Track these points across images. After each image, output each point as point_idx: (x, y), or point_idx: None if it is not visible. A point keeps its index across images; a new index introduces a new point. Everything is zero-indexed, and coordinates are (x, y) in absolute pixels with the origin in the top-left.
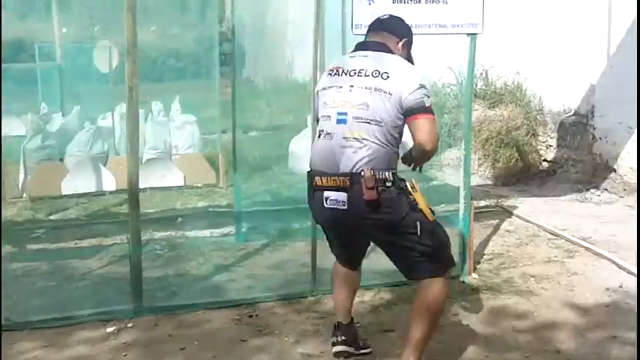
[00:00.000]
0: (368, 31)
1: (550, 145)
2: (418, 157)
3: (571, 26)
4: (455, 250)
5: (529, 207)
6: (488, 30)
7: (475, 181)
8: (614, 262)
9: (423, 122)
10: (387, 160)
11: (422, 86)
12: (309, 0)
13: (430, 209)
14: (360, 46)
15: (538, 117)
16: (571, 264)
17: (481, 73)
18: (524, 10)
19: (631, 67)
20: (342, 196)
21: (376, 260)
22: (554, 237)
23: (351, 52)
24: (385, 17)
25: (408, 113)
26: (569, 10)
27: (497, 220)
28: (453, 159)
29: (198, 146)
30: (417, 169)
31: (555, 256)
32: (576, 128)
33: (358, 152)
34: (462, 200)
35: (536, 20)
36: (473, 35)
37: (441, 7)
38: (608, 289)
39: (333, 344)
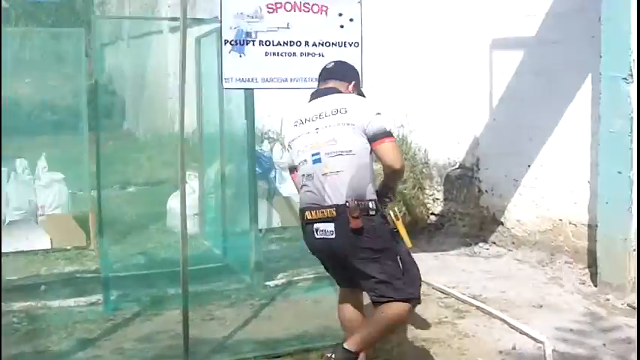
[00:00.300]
0: (318, 82)
1: (437, 199)
2: (389, 180)
3: (454, 79)
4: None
5: (418, 263)
6: (368, 83)
7: None
8: (505, 321)
9: (387, 146)
10: (367, 187)
11: (379, 113)
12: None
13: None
14: (314, 95)
15: (424, 170)
16: (462, 325)
17: None
18: (407, 63)
19: (512, 119)
20: (330, 226)
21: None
22: (445, 296)
23: (309, 102)
24: (331, 65)
25: (372, 139)
26: (451, 64)
27: None
28: None
29: (67, 206)
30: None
31: (446, 317)
32: (462, 181)
33: (339, 184)
34: None
35: (419, 73)
36: None
37: (317, 61)
38: (501, 352)
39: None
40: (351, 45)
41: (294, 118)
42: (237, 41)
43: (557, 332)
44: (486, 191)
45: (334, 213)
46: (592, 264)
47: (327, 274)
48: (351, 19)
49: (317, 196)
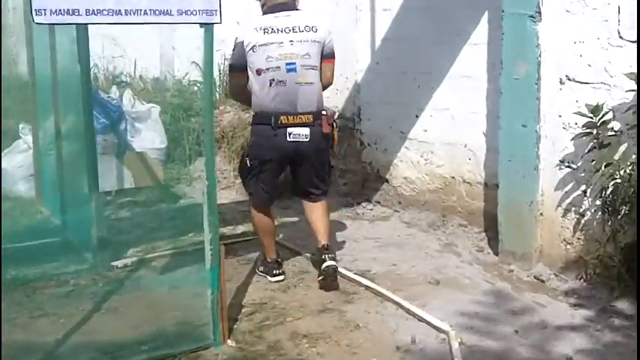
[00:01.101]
0: None
1: None
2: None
3: (330, 16)
4: (203, 305)
5: (294, 230)
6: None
7: (231, 196)
8: (401, 306)
9: (333, 65)
10: (322, 99)
11: (331, 33)
12: None
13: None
14: (277, 8)
15: None
16: (351, 312)
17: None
18: None
19: (397, 64)
20: (305, 130)
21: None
22: None
23: (269, 13)
24: None
25: (325, 57)
26: None
27: (257, 253)
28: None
29: None
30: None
31: (330, 302)
32: (342, 133)
33: (311, 94)
34: (206, 232)
35: None
36: (208, 26)
37: None
38: (399, 348)
39: (277, 275)
40: None
41: (258, 25)
42: None
43: (461, 318)
44: (369, 145)
45: (311, 119)
46: (488, 227)
47: (187, 249)
48: None
49: (287, 102)
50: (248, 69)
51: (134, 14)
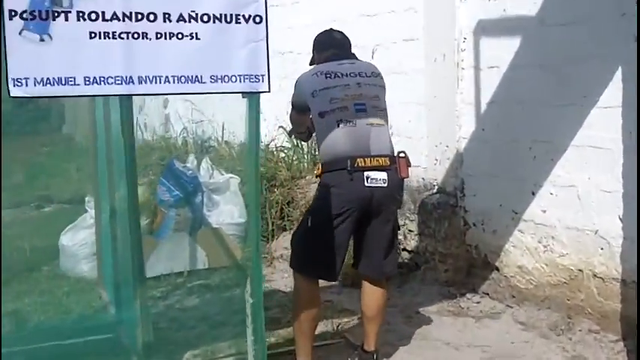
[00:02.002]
0: (327, 47)
1: (410, 231)
2: None
3: (428, 73)
4: None
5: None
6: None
7: None
8: None
9: None
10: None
11: None
12: None
13: None
14: (340, 57)
15: None
16: None
17: None
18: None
19: (508, 129)
20: (382, 174)
21: None
22: None
23: (332, 61)
24: (339, 36)
25: None
26: (420, 52)
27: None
28: None
29: None
30: None
31: None
32: (442, 211)
33: (383, 136)
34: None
35: (380, 59)
36: (252, 95)
37: (185, 48)
38: None
39: None
40: (249, 19)
41: (318, 70)
42: (35, 13)
43: None
44: (474, 225)
45: (388, 162)
46: (627, 335)
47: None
48: None
49: (360, 144)
50: (311, 116)
51: (151, 82)
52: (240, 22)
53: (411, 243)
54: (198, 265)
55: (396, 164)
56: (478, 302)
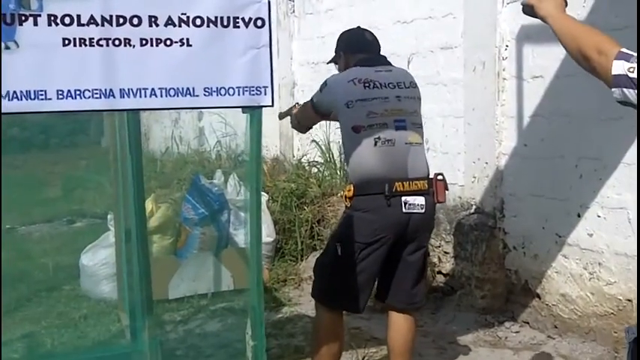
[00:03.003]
0: (359, 49)
1: (446, 252)
2: None
3: (466, 83)
4: None
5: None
6: None
7: None
8: None
9: None
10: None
11: None
12: None
13: None
14: (376, 62)
15: None
16: None
17: None
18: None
19: (552, 145)
20: (421, 199)
21: None
22: None
23: (367, 67)
24: (371, 37)
25: None
26: (460, 61)
27: None
28: None
29: None
30: None
31: None
32: (480, 233)
33: (420, 157)
34: None
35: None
36: (254, 110)
37: (172, 56)
38: None
39: None
40: (249, 22)
41: (355, 77)
42: (1, 18)
43: None
44: (514, 248)
45: (426, 186)
46: None
47: None
48: None
49: (398, 165)
50: (340, 127)
51: (135, 96)
52: (238, 26)
53: (447, 266)
54: (223, 287)
55: (434, 187)
56: (517, 332)
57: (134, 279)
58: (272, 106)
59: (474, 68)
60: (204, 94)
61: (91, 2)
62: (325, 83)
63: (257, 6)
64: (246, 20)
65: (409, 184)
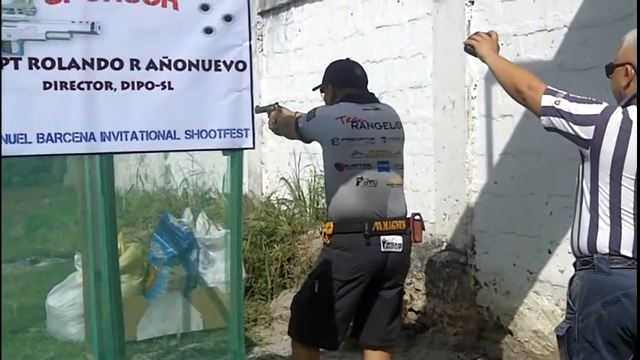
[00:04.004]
0: (348, 83)
1: (417, 290)
2: None
3: (437, 120)
4: None
5: None
6: None
7: None
8: None
9: None
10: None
11: None
12: None
13: None
14: (364, 99)
15: None
16: None
17: None
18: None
19: (522, 183)
20: (398, 239)
21: None
22: None
23: (356, 103)
24: (357, 69)
25: None
26: (428, 98)
27: None
28: None
29: None
30: None
31: None
32: (451, 270)
33: (400, 197)
34: None
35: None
36: (235, 152)
37: (155, 99)
38: None
39: None
40: (230, 66)
41: (343, 115)
42: None
43: None
44: (486, 285)
45: (404, 225)
46: None
47: None
48: (228, 18)
49: (379, 205)
50: (323, 160)
51: (117, 139)
52: (220, 70)
53: (418, 303)
54: (193, 327)
55: (411, 227)
56: None
57: (104, 321)
58: (253, 148)
59: (443, 107)
60: (186, 137)
61: (73, 45)
62: (314, 114)
63: (238, 49)
64: (228, 63)
65: (388, 223)
